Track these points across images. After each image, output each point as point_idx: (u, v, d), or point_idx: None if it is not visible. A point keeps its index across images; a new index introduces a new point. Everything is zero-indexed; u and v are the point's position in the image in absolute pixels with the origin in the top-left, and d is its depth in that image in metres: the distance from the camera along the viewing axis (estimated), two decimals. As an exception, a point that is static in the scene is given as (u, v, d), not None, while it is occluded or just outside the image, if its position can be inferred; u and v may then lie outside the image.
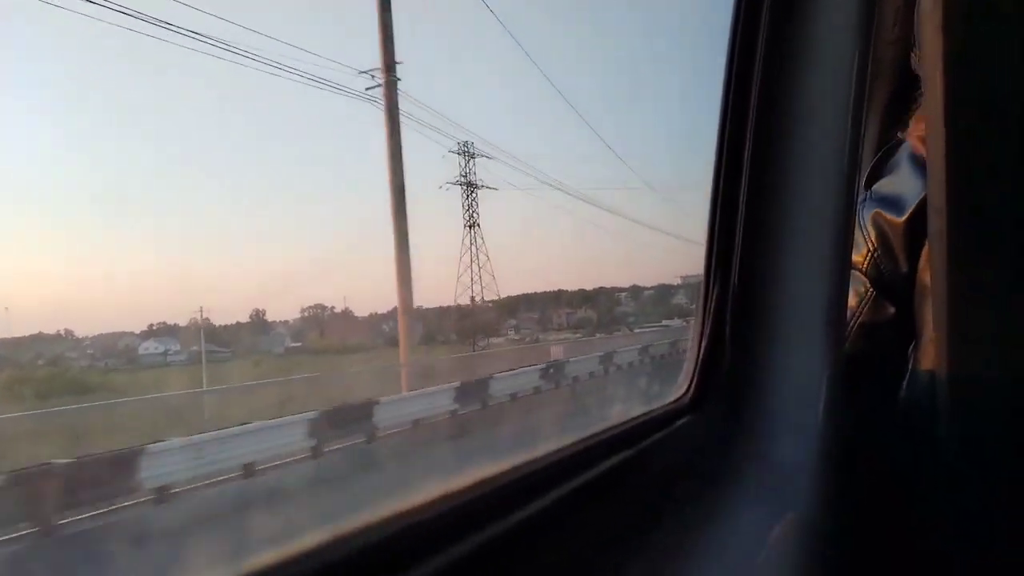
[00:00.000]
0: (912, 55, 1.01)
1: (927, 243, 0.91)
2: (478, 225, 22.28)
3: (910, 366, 0.97)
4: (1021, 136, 0.83)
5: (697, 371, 0.83)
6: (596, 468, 0.70)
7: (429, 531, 0.47)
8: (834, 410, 0.83)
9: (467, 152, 21.14)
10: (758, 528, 0.77)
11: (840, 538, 0.85)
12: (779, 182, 0.85)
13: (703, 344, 0.84)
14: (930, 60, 0.86)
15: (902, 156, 1.04)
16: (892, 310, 1.00)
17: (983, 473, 0.86)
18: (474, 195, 22.07)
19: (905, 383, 0.97)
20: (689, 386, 0.83)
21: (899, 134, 1.07)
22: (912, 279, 0.96)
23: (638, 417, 0.79)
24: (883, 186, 1.05)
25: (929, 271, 0.91)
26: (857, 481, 0.92)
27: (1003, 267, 0.86)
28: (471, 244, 22.52)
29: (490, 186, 21.63)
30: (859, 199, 1.06)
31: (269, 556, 0.42)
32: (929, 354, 0.92)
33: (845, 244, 0.87)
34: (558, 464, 0.68)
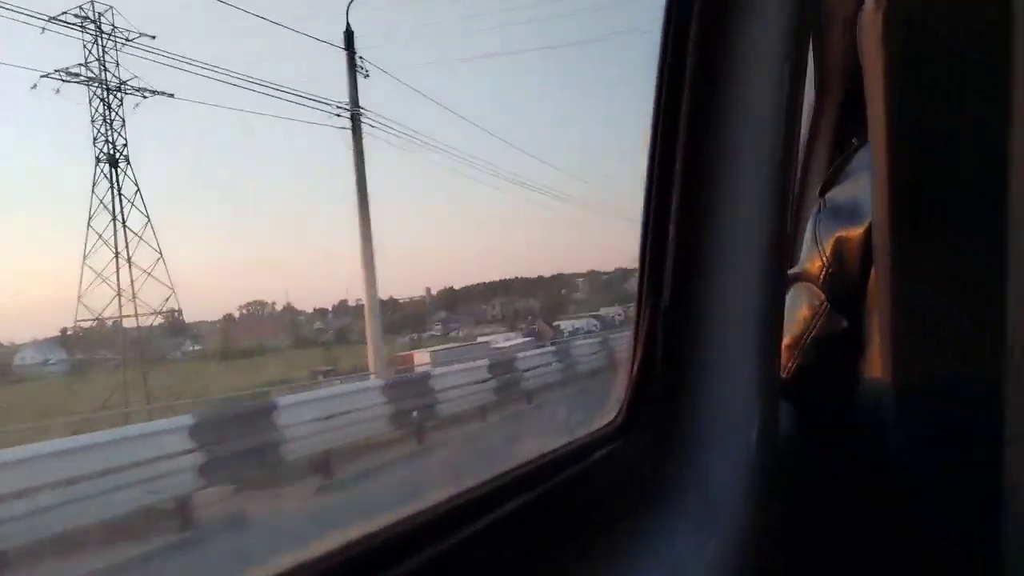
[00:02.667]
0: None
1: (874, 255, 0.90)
2: (127, 160, 11.33)
3: (859, 378, 0.96)
4: (962, 148, 0.81)
5: (629, 394, 0.82)
6: (515, 501, 0.69)
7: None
8: (769, 432, 0.81)
9: (93, 21, 10.10)
10: (691, 554, 0.76)
11: (777, 560, 0.83)
12: (711, 197, 0.82)
13: (635, 366, 0.82)
14: (871, 72, 0.84)
15: (858, 164, 1.02)
16: (844, 324, 0.99)
17: (928, 486, 0.85)
18: (117, 104, 11.26)
19: (855, 396, 0.96)
20: (619, 410, 0.81)
21: (853, 140, 1.05)
22: (863, 291, 0.94)
23: (565, 445, 0.78)
24: (838, 194, 1.03)
25: (877, 285, 0.90)
26: (797, 503, 0.91)
27: (947, 278, 0.84)
28: (115, 196, 11.33)
29: (160, 90, 10.77)
30: (814, 210, 1.04)
31: None
32: (876, 366, 0.90)
33: (780, 259, 0.85)
34: (475, 500, 0.67)
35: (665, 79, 0.84)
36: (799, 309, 1.03)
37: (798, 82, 0.83)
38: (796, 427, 1.00)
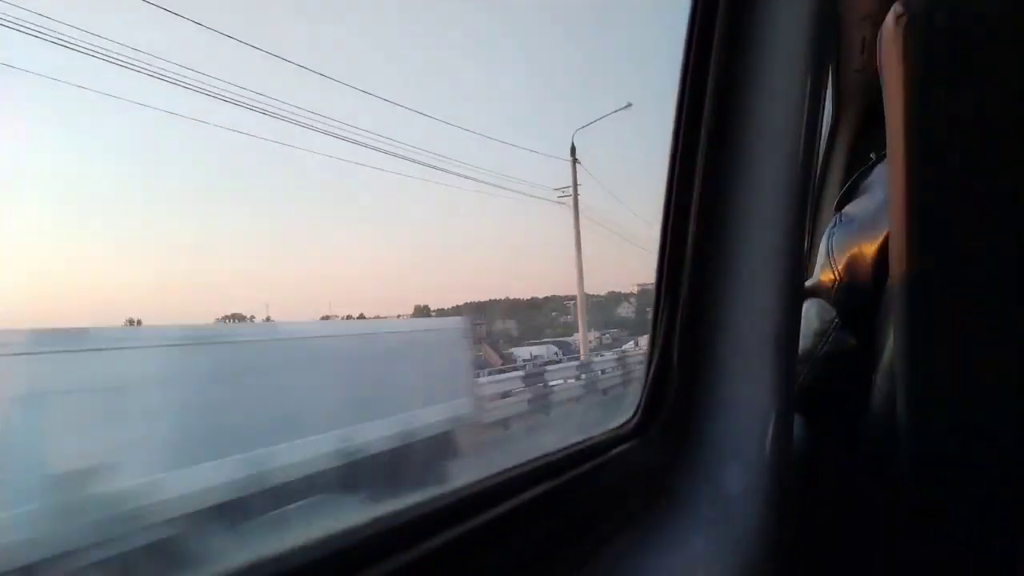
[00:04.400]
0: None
1: (890, 269, 0.90)
2: None
3: (872, 395, 0.96)
4: (980, 162, 0.82)
5: (644, 397, 0.84)
6: (527, 493, 0.71)
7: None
8: (782, 440, 0.83)
9: None
10: (699, 554, 0.78)
11: (784, 568, 0.84)
12: (729, 209, 0.85)
13: (651, 370, 0.84)
14: (891, 89, 0.86)
15: (875, 179, 1.03)
16: (854, 341, 1.00)
17: (939, 503, 0.85)
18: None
19: (866, 410, 0.96)
20: (635, 411, 0.84)
21: (871, 156, 1.06)
22: (875, 306, 0.95)
23: (581, 442, 0.81)
24: (854, 209, 1.04)
25: (892, 297, 0.90)
26: (807, 511, 0.91)
27: (964, 290, 0.85)
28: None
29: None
30: (829, 224, 1.06)
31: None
32: (888, 379, 0.91)
33: (796, 271, 0.86)
34: (491, 489, 0.70)
35: (686, 93, 0.87)
36: (811, 324, 1.04)
37: (817, 99, 0.86)
38: (806, 440, 1.01)
